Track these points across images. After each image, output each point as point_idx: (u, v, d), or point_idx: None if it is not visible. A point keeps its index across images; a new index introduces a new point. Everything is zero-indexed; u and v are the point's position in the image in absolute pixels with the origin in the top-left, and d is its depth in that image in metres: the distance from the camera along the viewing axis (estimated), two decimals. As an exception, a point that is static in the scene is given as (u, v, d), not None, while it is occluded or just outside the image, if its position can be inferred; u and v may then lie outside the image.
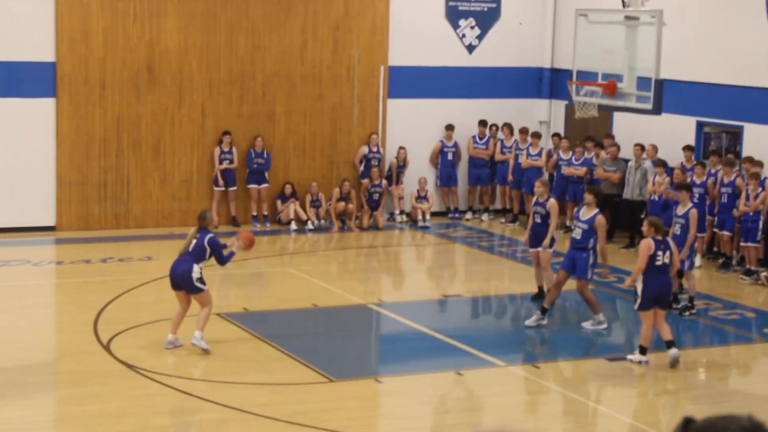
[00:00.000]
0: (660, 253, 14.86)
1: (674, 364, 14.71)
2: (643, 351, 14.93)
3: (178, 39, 23.07)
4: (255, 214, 23.70)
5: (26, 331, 15.93)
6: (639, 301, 14.89)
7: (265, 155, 23.58)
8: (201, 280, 15.01)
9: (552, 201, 17.74)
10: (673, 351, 14.80)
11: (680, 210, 17.41)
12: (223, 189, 23.33)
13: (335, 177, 24.21)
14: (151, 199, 23.11)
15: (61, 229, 22.41)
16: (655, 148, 22.20)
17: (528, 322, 16.60)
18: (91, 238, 21.96)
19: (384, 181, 24.11)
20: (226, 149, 23.24)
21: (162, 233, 22.61)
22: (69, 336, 15.87)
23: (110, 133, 22.72)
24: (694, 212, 17.23)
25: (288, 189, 23.66)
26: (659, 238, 14.93)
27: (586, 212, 16.47)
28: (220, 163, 23.20)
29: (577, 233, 16.49)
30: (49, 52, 22.20)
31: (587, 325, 16.55)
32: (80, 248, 21.03)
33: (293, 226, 23.41)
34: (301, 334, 16.20)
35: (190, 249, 15.05)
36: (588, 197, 16.61)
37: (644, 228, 15.19)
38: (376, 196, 23.94)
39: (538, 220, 17.64)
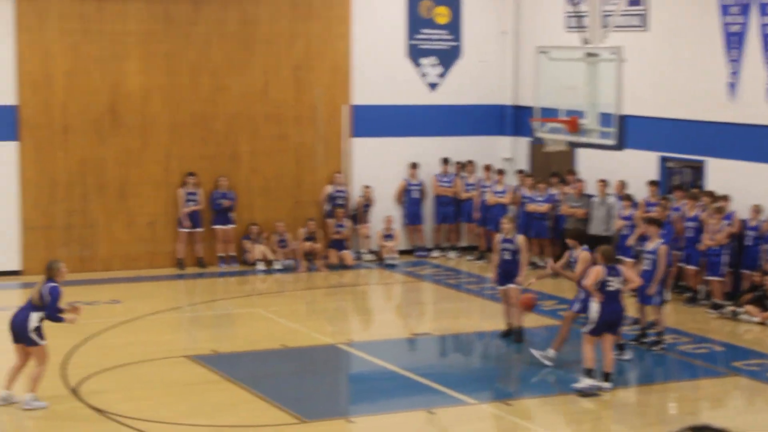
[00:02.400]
0: (611, 279, 15.26)
1: (592, 395, 15.00)
2: (588, 373, 15.14)
3: (141, 81, 23.05)
4: (222, 255, 23.64)
5: (-7, 377, 15.76)
6: (592, 326, 15.28)
7: (230, 195, 23.55)
8: (38, 331, 14.40)
9: (521, 237, 17.88)
10: (607, 385, 15.17)
11: (649, 245, 17.50)
12: (189, 230, 23.27)
13: (301, 216, 24.20)
14: (117, 242, 23.02)
15: (27, 273, 22.23)
16: (622, 184, 22.36)
17: (536, 354, 16.64)
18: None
19: (348, 221, 24.12)
20: (191, 191, 23.19)
21: (129, 276, 22.53)
22: (37, 381, 15.70)
23: (74, 177, 22.63)
24: (663, 248, 17.34)
25: (254, 229, 23.63)
26: (610, 265, 15.31)
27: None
28: (186, 204, 23.14)
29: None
30: (11, 96, 22.13)
31: (536, 352, 16.62)
32: (46, 292, 20.83)
33: (260, 266, 23.36)
34: (271, 375, 16.15)
35: (33, 298, 14.51)
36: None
37: (596, 257, 15.51)
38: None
39: (508, 257, 17.70)
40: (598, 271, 15.28)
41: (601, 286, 15.21)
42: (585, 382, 15.16)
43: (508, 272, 17.76)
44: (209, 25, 23.49)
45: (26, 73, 22.18)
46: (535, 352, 16.60)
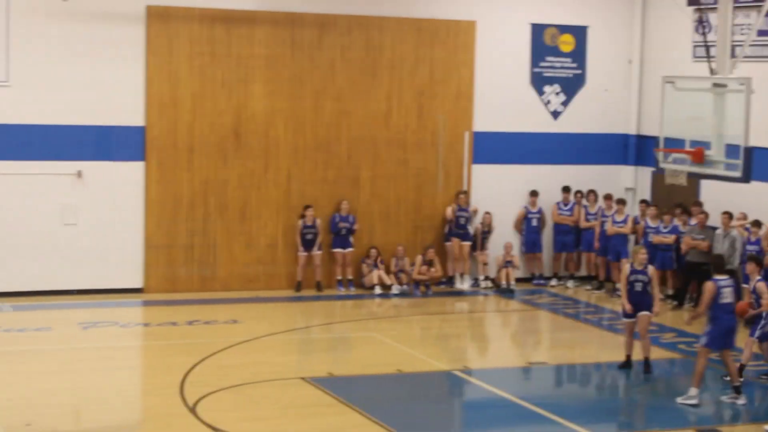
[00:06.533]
0: None
1: None
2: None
3: (265, 104, 23.34)
4: (340, 278, 23.75)
5: (113, 393, 16.04)
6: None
7: (350, 219, 23.68)
8: None
9: (651, 268, 17.69)
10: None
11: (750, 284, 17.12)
12: (307, 253, 23.44)
13: (419, 241, 24.22)
14: (237, 263, 23.28)
15: (149, 291, 22.66)
16: (745, 216, 21.95)
17: (680, 400, 16.19)
18: (178, 301, 22.17)
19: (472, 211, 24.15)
20: (309, 223, 23.34)
21: (247, 296, 22.76)
22: (155, 398, 15.95)
23: (197, 197, 22.98)
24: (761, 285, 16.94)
25: (373, 253, 23.70)
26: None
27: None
28: (303, 236, 23.29)
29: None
30: (139, 117, 22.57)
31: (680, 399, 16.25)
32: (167, 310, 21.22)
33: (377, 290, 23.42)
34: (385, 399, 16.12)
35: None
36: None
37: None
38: (462, 221, 23.88)
39: (639, 289, 17.51)
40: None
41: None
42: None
43: (638, 303, 17.56)
44: (334, 49, 23.71)
45: (154, 94, 22.61)
46: (680, 399, 16.21)
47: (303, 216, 23.38)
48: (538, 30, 25.32)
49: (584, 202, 25.02)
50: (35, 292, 22.01)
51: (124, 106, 22.49)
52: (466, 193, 24.40)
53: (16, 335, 19.20)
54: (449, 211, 24.26)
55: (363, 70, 23.94)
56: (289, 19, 23.38)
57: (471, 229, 24.41)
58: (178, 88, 22.78)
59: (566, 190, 25.02)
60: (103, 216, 22.45)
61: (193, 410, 15.13)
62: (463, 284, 24.21)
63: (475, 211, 24.45)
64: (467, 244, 24.27)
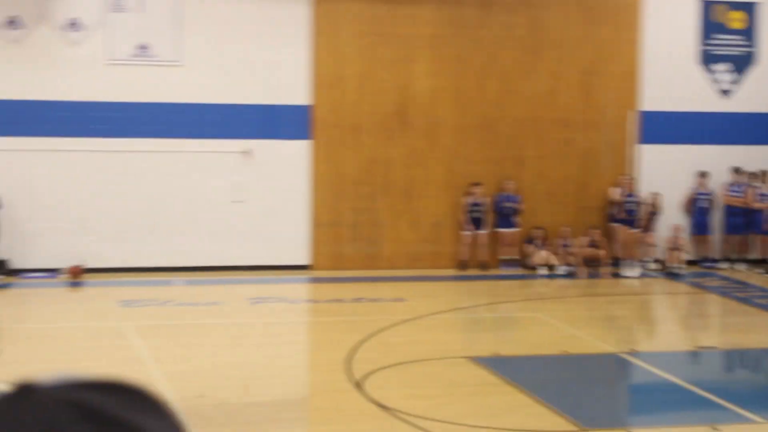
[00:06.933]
0: None
1: None
2: None
3: (430, 83, 23.38)
4: (504, 258, 23.69)
5: (281, 368, 16.30)
6: None
7: (516, 199, 23.59)
8: None
9: None
10: None
11: None
12: (472, 233, 23.44)
13: (585, 222, 23.99)
14: (402, 241, 23.42)
15: (316, 268, 22.96)
16: None
17: None
18: (344, 278, 22.41)
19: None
20: (476, 201, 23.31)
21: (412, 275, 22.87)
22: (322, 374, 16.15)
23: (363, 176, 23.18)
24: None
25: (538, 233, 23.57)
26: None
27: None
28: (470, 214, 23.28)
29: None
30: (306, 96, 22.85)
31: None
32: (333, 287, 21.48)
33: (542, 271, 23.29)
34: (551, 380, 16.01)
35: None
36: None
37: None
38: (630, 206, 23.61)
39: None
40: None
41: None
42: None
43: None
44: (497, 29, 23.61)
45: (321, 74, 22.87)
46: None
47: (470, 193, 23.36)
48: (706, 6, 24.78)
49: (755, 182, 24.44)
50: (206, 267, 22.54)
51: (291, 86, 22.79)
52: (633, 178, 24.04)
53: (188, 309, 19.68)
54: (615, 193, 23.94)
55: (527, 50, 23.78)
56: (453, -2, 23.40)
57: (639, 216, 23.99)
58: (344, 67, 22.98)
59: (737, 170, 24.48)
60: (270, 194, 22.82)
61: (358, 387, 15.27)
62: (632, 272, 23.74)
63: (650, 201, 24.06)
64: (635, 231, 23.87)
